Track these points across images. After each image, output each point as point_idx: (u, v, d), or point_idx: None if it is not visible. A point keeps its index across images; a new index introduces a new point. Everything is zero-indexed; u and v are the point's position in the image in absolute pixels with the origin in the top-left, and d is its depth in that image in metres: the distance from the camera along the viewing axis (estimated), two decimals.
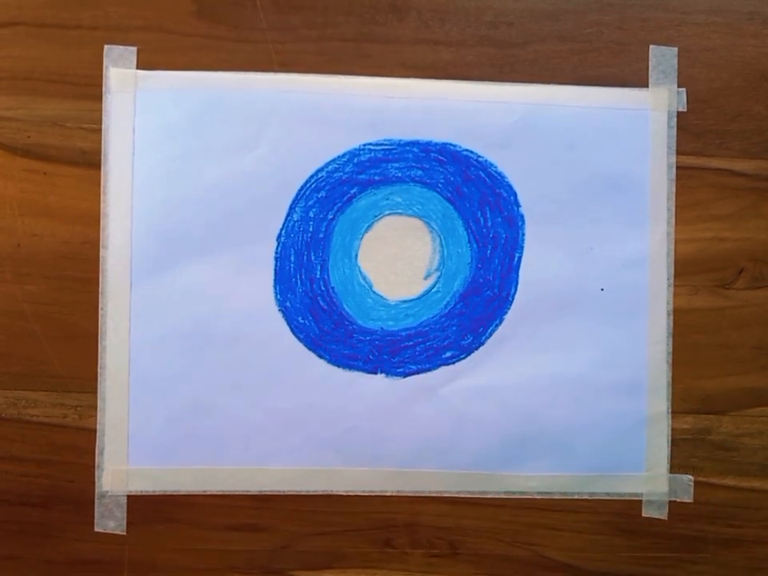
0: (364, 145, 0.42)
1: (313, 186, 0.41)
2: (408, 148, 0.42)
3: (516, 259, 0.42)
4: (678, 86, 0.43)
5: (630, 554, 0.43)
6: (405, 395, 0.42)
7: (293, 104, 0.41)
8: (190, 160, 0.41)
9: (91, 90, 0.41)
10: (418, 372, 0.42)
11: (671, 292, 0.43)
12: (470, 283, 0.42)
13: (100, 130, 0.41)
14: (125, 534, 0.41)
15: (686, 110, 0.43)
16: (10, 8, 0.41)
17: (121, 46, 0.41)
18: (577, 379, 0.42)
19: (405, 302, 0.42)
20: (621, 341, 0.42)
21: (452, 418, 0.42)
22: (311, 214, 0.41)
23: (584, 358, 0.42)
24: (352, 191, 0.42)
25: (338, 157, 0.41)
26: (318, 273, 0.42)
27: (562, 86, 0.42)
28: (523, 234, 0.42)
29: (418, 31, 0.42)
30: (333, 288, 0.42)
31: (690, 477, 0.43)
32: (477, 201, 0.42)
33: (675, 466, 0.43)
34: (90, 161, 0.41)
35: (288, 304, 0.41)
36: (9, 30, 0.41)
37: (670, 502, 0.43)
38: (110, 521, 0.41)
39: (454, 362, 0.42)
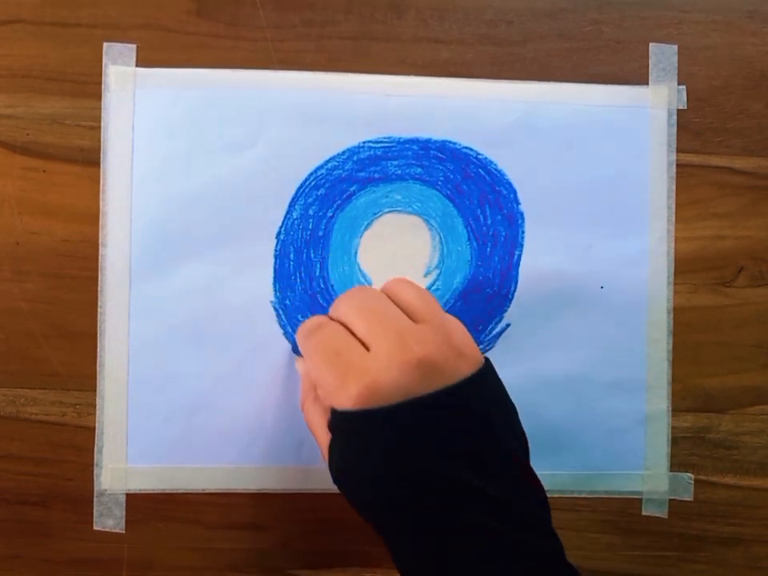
0: (363, 142, 0.42)
1: (312, 183, 0.41)
2: (407, 145, 0.42)
3: (516, 257, 0.42)
4: (678, 84, 0.43)
5: (629, 552, 0.43)
6: None
7: (292, 102, 0.41)
8: (189, 158, 0.41)
9: (90, 87, 0.41)
10: None
11: (671, 290, 0.43)
12: (469, 281, 0.42)
13: (99, 127, 0.41)
14: (123, 532, 0.41)
15: (686, 107, 0.43)
16: (9, 6, 0.41)
17: (120, 44, 0.41)
18: (576, 377, 0.42)
19: None
20: (620, 339, 0.42)
21: None
22: (311, 212, 0.41)
23: (584, 356, 0.42)
24: (351, 189, 0.42)
25: (338, 154, 0.41)
26: (318, 271, 0.41)
27: (562, 83, 0.42)
28: (523, 232, 0.42)
29: (418, 29, 0.42)
30: (332, 286, 0.42)
31: (690, 475, 0.43)
32: (476, 198, 0.42)
33: (675, 465, 0.43)
34: (89, 159, 0.41)
35: (287, 302, 0.41)
36: (8, 28, 0.41)
37: (669, 500, 0.43)
38: (109, 519, 0.41)
39: None
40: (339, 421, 0.32)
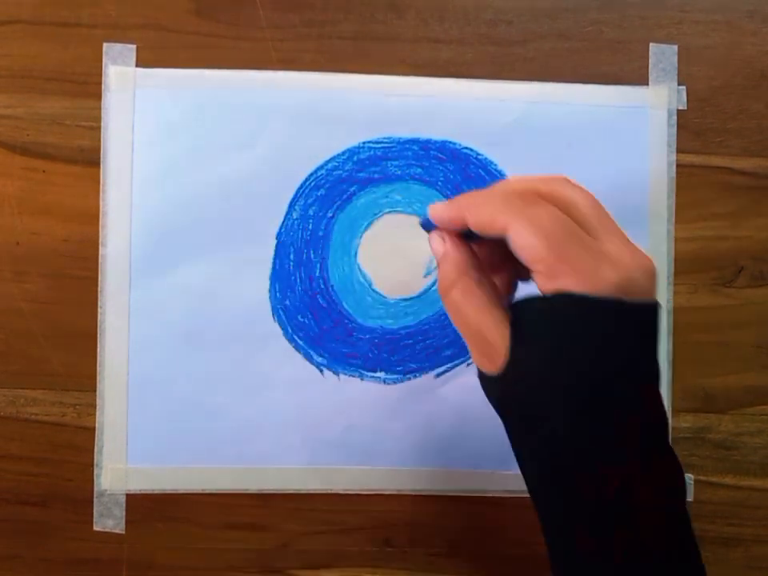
0: (364, 143, 0.41)
1: (312, 184, 0.41)
2: (407, 146, 0.42)
3: None
4: (678, 84, 0.43)
5: None
6: (404, 394, 0.42)
7: (292, 102, 0.41)
8: (189, 158, 0.41)
9: (90, 87, 0.41)
10: (417, 370, 0.42)
11: (671, 290, 0.43)
12: None
13: (99, 128, 0.41)
14: (123, 532, 0.41)
15: (686, 108, 0.43)
16: (9, 6, 0.41)
17: (120, 44, 0.41)
18: None
19: (404, 300, 0.42)
20: None
21: (452, 417, 0.42)
22: (311, 212, 0.41)
23: None
24: (351, 189, 0.42)
25: (338, 155, 0.41)
26: (318, 271, 0.41)
27: (562, 83, 0.42)
28: None
29: (418, 29, 0.42)
30: (332, 286, 0.42)
31: (690, 475, 0.43)
32: None
33: None
34: (89, 159, 0.41)
35: (287, 302, 0.41)
36: (8, 28, 0.41)
37: None
38: (109, 519, 0.41)
39: (453, 361, 0.42)
40: (577, 307, 0.27)
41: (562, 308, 0.27)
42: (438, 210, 0.31)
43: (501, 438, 0.42)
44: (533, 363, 0.28)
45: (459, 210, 0.30)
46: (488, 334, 0.29)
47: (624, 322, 0.27)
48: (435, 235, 0.32)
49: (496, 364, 0.29)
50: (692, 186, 0.43)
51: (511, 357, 0.28)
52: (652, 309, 0.28)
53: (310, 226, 0.41)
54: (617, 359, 0.27)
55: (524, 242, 0.28)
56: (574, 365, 0.27)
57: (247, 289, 0.41)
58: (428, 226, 0.32)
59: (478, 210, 0.30)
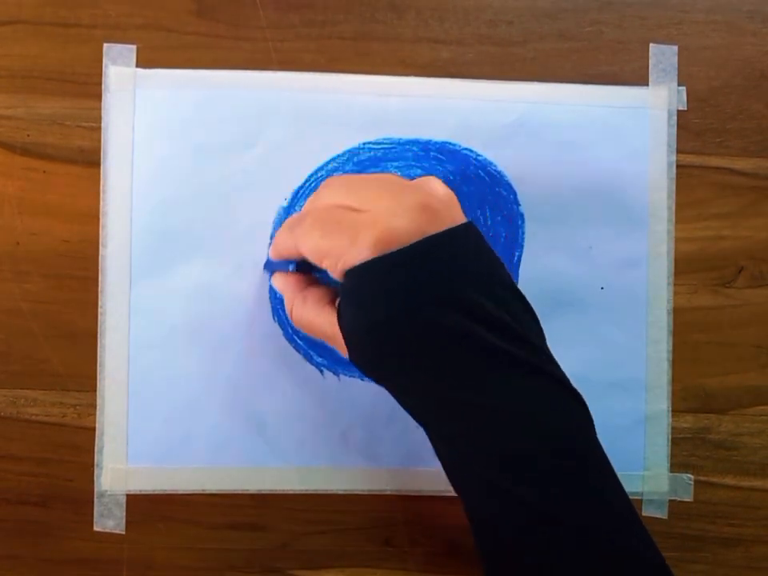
0: (363, 144, 0.42)
1: (312, 185, 0.41)
2: (407, 147, 0.42)
3: (516, 258, 0.42)
4: (678, 85, 0.43)
5: None
6: None
7: (292, 103, 0.41)
8: (189, 158, 0.41)
9: (90, 88, 0.41)
10: None
11: (671, 291, 0.43)
12: None
13: (99, 128, 0.41)
14: (124, 533, 0.41)
15: (686, 108, 0.43)
16: (9, 6, 0.41)
17: (120, 45, 0.41)
18: (576, 377, 0.42)
19: None
20: (620, 339, 0.42)
21: None
22: None
23: (583, 357, 0.42)
24: None
25: (338, 156, 0.41)
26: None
27: (562, 84, 0.42)
28: (523, 233, 0.42)
29: (418, 29, 0.42)
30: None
31: (690, 476, 0.43)
32: (476, 200, 0.42)
33: (675, 465, 0.43)
34: (90, 159, 0.41)
35: None
36: (8, 28, 0.41)
37: (669, 501, 0.43)
38: (109, 520, 0.41)
39: None
40: (357, 277, 0.31)
41: (350, 282, 0.31)
42: (270, 253, 0.39)
43: None
44: (350, 339, 0.32)
45: (275, 250, 0.38)
46: (329, 330, 0.34)
47: (390, 270, 0.30)
48: (275, 276, 0.39)
49: (345, 352, 0.33)
50: (692, 186, 0.43)
51: (347, 345, 0.33)
52: (418, 248, 0.30)
53: None
54: (399, 304, 0.30)
55: (308, 254, 0.33)
56: (371, 320, 0.31)
57: (247, 289, 0.41)
58: (268, 267, 0.40)
59: (281, 245, 0.37)
